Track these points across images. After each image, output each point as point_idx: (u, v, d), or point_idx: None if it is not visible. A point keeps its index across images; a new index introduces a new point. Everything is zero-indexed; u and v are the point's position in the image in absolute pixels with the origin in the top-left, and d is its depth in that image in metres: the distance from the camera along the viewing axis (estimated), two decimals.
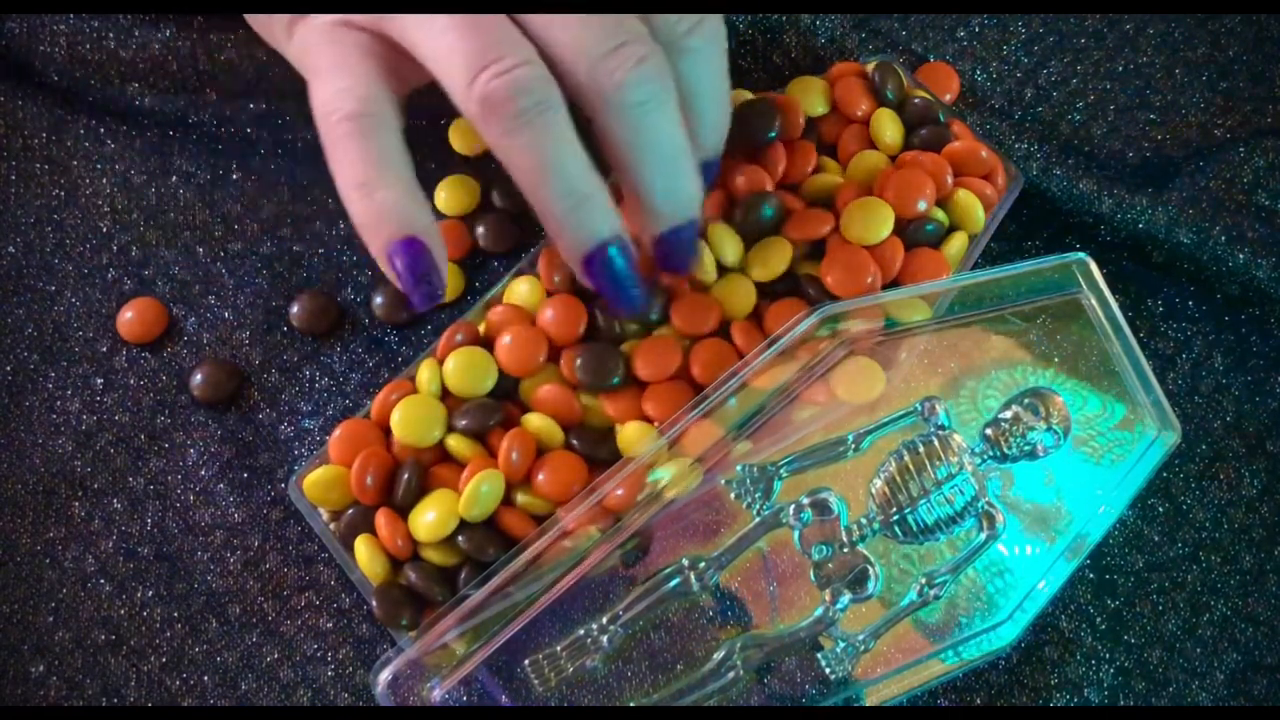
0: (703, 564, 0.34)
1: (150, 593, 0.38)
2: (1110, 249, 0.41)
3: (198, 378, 0.40)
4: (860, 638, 0.34)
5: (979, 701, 0.36)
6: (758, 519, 0.34)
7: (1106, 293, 0.35)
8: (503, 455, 0.34)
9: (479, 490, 0.34)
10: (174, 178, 0.43)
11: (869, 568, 0.34)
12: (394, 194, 0.31)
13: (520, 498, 0.35)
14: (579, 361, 0.36)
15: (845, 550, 0.34)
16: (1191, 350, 0.40)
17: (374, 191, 0.31)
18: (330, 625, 0.37)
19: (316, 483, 0.35)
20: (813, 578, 0.34)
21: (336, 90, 0.32)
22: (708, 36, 0.33)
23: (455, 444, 0.35)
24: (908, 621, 0.34)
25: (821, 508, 0.34)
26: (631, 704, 0.33)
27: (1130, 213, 0.40)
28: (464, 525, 0.34)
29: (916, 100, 0.39)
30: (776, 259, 0.37)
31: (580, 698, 0.33)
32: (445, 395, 0.36)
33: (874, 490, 0.34)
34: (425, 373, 0.36)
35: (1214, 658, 0.37)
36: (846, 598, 0.34)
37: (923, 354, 0.36)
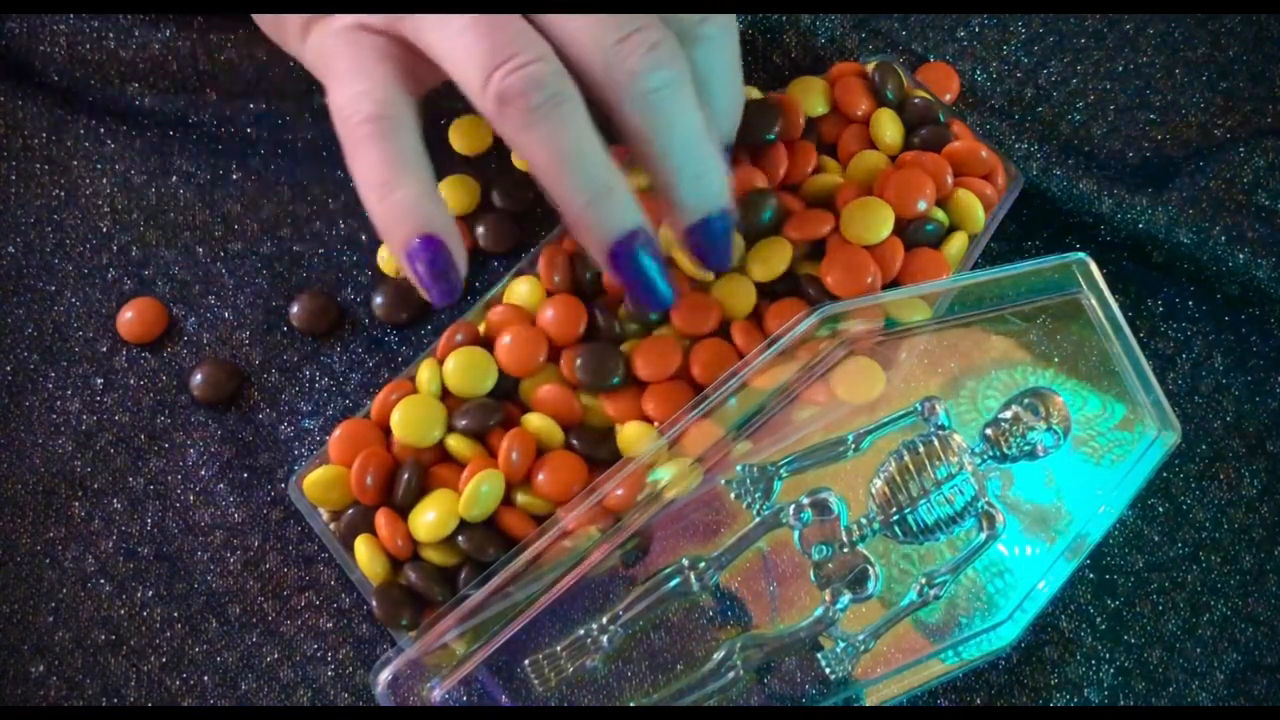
0: (703, 564, 0.34)
1: (150, 593, 0.38)
2: (1110, 249, 0.41)
3: (198, 378, 0.40)
4: (860, 638, 0.34)
5: (979, 701, 0.36)
6: (758, 519, 0.34)
7: (1106, 293, 0.35)
8: (503, 455, 0.34)
9: (479, 490, 0.34)
10: (174, 178, 0.43)
11: (869, 568, 0.34)
12: (413, 193, 0.32)
13: (520, 498, 0.35)
14: (579, 361, 0.36)
15: (845, 550, 0.34)
16: (1191, 350, 0.40)
17: (393, 190, 0.31)
18: (330, 625, 0.37)
19: (316, 483, 0.35)
20: (813, 578, 0.34)
21: (355, 93, 0.32)
22: (720, 25, 0.33)
23: (455, 444, 0.35)
24: (908, 621, 0.34)
25: (821, 508, 0.34)
26: (631, 704, 0.33)
27: (1130, 213, 0.40)
28: (464, 525, 0.34)
29: (916, 100, 0.39)
30: (776, 259, 0.37)
31: (580, 698, 0.33)
32: (445, 395, 0.36)
33: (874, 490, 0.34)
34: (425, 373, 0.36)
35: (1214, 658, 0.37)
36: (846, 598, 0.34)
37: (923, 354, 0.36)
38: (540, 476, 0.35)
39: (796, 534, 0.34)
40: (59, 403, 0.40)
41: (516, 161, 0.42)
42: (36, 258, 0.42)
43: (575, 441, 0.35)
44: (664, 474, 0.34)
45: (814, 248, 0.37)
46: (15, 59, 0.44)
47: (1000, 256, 0.41)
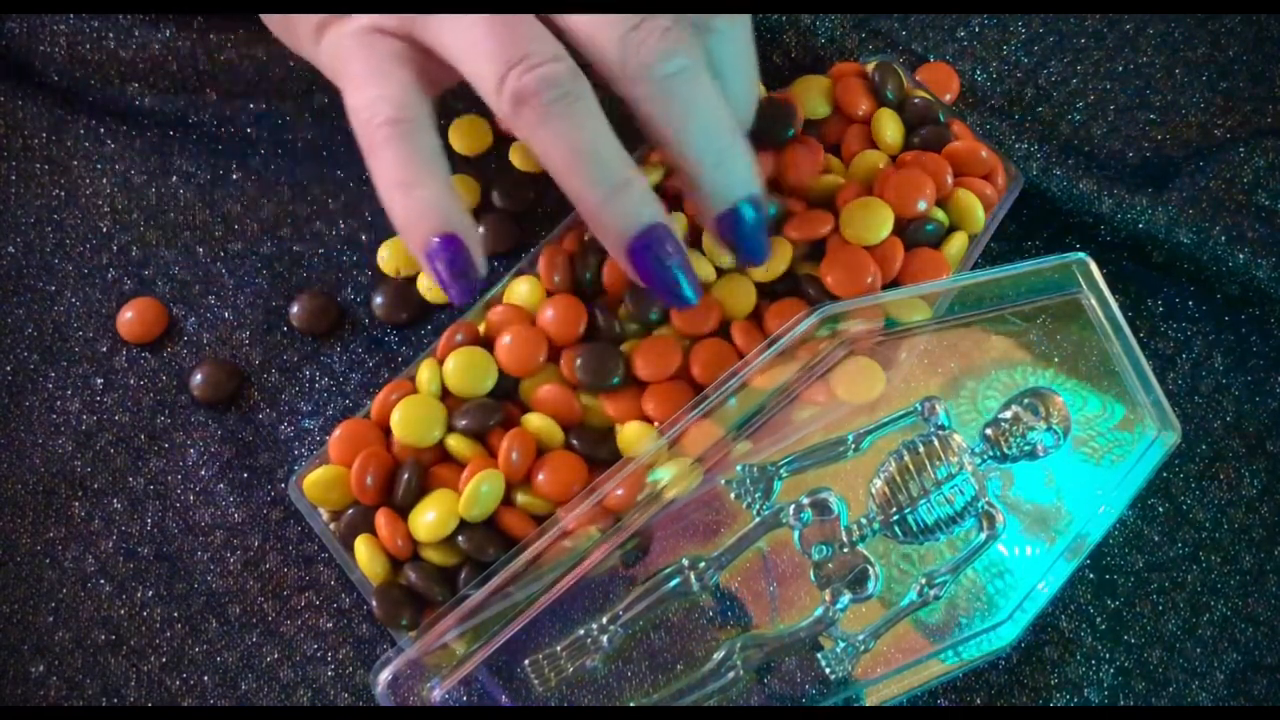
0: (703, 564, 0.34)
1: (150, 593, 0.38)
2: (1110, 249, 0.41)
3: (198, 378, 0.40)
4: (860, 638, 0.34)
5: (979, 701, 0.36)
6: (758, 519, 0.34)
7: (1106, 293, 0.35)
8: (503, 455, 0.34)
9: (479, 490, 0.34)
10: (174, 178, 0.43)
11: (869, 568, 0.34)
12: (432, 193, 0.32)
13: (520, 498, 0.35)
14: (579, 361, 0.36)
15: (845, 550, 0.34)
16: (1191, 350, 0.40)
17: (412, 190, 0.32)
18: (330, 625, 0.37)
19: (316, 483, 0.35)
20: (813, 578, 0.34)
21: (373, 97, 0.32)
22: (731, 18, 0.33)
23: (455, 444, 0.35)
24: (908, 621, 0.34)
25: (821, 508, 0.34)
26: (631, 704, 0.33)
27: (1130, 213, 0.40)
28: (464, 525, 0.34)
29: (916, 100, 0.39)
30: (776, 259, 0.37)
31: (580, 698, 0.33)
32: (445, 395, 0.36)
33: (874, 490, 0.34)
34: (425, 373, 0.36)
35: (1214, 658, 0.37)
36: (846, 598, 0.34)
37: (923, 354, 0.36)
38: (540, 476, 0.35)
39: (796, 534, 0.34)
40: (59, 403, 0.40)
41: (516, 161, 0.42)
42: (36, 258, 0.42)
43: (575, 441, 0.35)
44: (664, 474, 0.34)
45: (814, 248, 0.37)
46: (15, 59, 0.44)
47: (1000, 256, 0.41)
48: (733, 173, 0.32)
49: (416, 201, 0.32)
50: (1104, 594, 0.37)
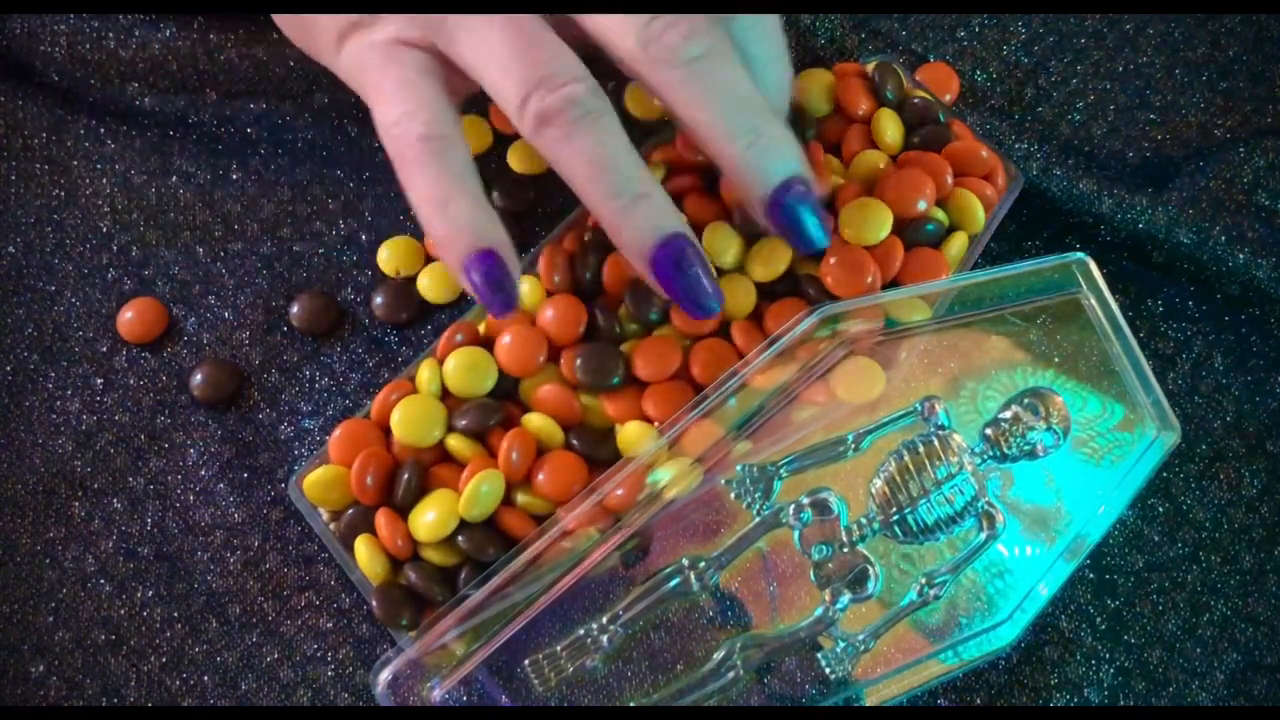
0: (703, 564, 0.34)
1: (150, 593, 0.38)
2: (1110, 249, 0.41)
3: (198, 378, 0.40)
4: (860, 638, 0.34)
5: (979, 701, 0.36)
6: (758, 519, 0.34)
7: (1106, 293, 0.35)
8: (503, 455, 0.34)
9: (479, 490, 0.34)
10: (174, 178, 0.43)
11: (869, 568, 0.34)
12: (466, 208, 0.32)
13: (520, 498, 0.35)
14: (579, 361, 0.36)
15: (845, 550, 0.34)
16: (1191, 350, 0.40)
17: (448, 207, 0.32)
18: (330, 625, 0.37)
19: (316, 483, 0.35)
20: (813, 578, 0.34)
21: (403, 113, 0.32)
22: (751, 14, 0.33)
23: (455, 444, 0.35)
24: (908, 621, 0.34)
25: (821, 508, 0.34)
26: (631, 704, 0.33)
27: (1130, 213, 0.40)
28: (464, 525, 0.34)
29: (916, 100, 0.39)
30: (776, 259, 0.37)
31: (580, 698, 0.33)
32: (445, 395, 0.36)
33: (874, 490, 0.34)
34: (425, 373, 0.36)
35: (1214, 658, 0.37)
36: (846, 598, 0.34)
37: (923, 354, 0.36)
38: (540, 476, 0.35)
39: (796, 534, 0.34)
40: (59, 403, 0.40)
41: (514, 164, 0.42)
42: (36, 258, 0.42)
43: (575, 441, 0.35)
44: (664, 474, 0.34)
45: None
46: (15, 59, 0.44)
47: (1000, 256, 0.41)
48: (769, 152, 0.32)
49: (452, 218, 0.32)
50: (1104, 594, 0.37)
